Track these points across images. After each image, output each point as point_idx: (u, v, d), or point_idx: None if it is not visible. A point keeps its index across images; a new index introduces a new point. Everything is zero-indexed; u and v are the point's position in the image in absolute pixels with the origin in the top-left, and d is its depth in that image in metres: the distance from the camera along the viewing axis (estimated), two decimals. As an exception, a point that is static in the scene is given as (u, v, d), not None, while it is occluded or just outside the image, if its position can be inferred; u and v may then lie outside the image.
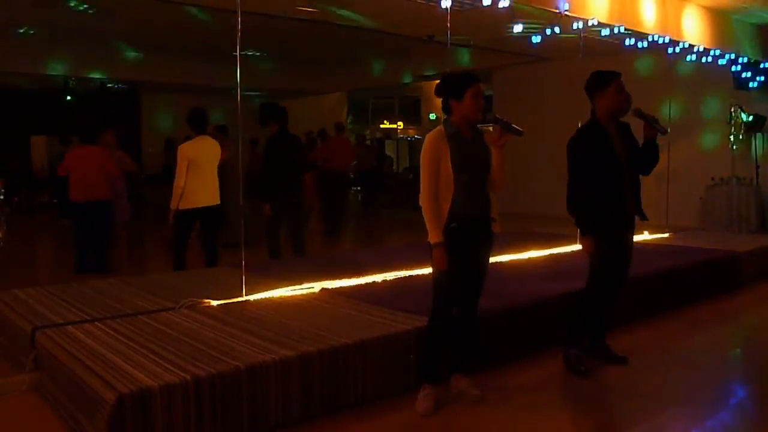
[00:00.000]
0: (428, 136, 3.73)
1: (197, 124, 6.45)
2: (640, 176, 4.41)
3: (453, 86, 3.72)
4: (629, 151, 4.33)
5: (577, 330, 4.45)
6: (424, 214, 3.66)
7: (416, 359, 3.94)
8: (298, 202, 7.10)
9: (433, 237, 3.63)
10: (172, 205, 6.27)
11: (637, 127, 4.39)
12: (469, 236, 3.71)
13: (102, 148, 8.02)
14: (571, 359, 4.37)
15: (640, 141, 4.39)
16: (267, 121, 7.23)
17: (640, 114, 4.31)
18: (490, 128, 3.81)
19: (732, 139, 10.24)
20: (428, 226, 3.65)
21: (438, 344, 3.81)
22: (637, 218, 4.45)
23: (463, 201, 3.66)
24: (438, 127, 3.75)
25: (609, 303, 4.53)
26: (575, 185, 4.25)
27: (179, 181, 6.23)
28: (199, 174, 6.30)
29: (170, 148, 9.92)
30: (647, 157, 4.37)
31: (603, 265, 4.31)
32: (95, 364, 3.33)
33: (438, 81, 3.91)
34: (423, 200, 3.66)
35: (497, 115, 3.78)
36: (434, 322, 3.80)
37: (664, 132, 4.34)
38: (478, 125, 3.81)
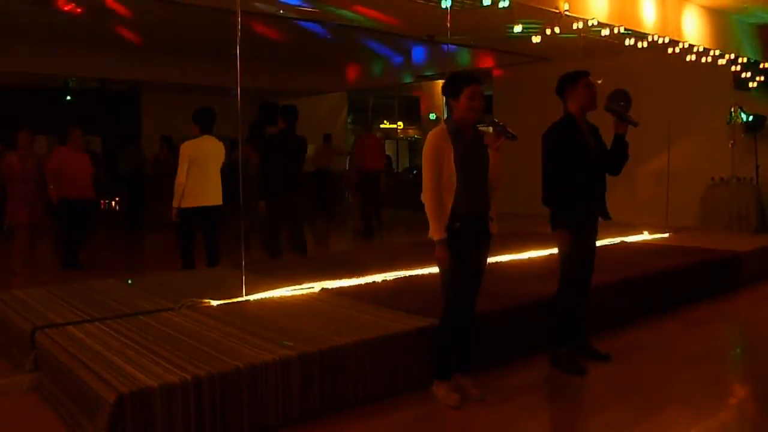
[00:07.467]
0: (430, 135, 3.75)
1: (203, 123, 6.44)
2: (613, 177, 4.47)
3: (451, 85, 3.76)
4: (599, 151, 4.39)
5: (561, 331, 4.44)
6: (427, 211, 3.69)
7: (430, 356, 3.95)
8: (297, 202, 7.09)
9: (437, 234, 3.66)
10: (174, 203, 6.33)
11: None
12: (471, 235, 3.73)
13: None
14: (563, 359, 4.37)
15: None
16: (274, 119, 7.19)
17: (610, 109, 4.38)
18: (490, 129, 3.83)
19: (732, 139, 10.24)
20: (431, 223, 3.68)
21: (455, 342, 3.83)
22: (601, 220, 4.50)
23: (465, 200, 3.68)
24: (440, 125, 3.78)
25: (580, 306, 4.51)
26: (550, 178, 4.28)
27: (180, 178, 6.26)
28: (201, 173, 6.31)
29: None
30: (617, 154, 4.41)
31: (573, 262, 4.33)
32: (95, 364, 3.33)
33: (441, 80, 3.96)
34: (426, 198, 3.69)
35: (495, 119, 3.84)
36: (449, 320, 3.81)
37: (636, 124, 4.36)
38: (477, 126, 3.84)
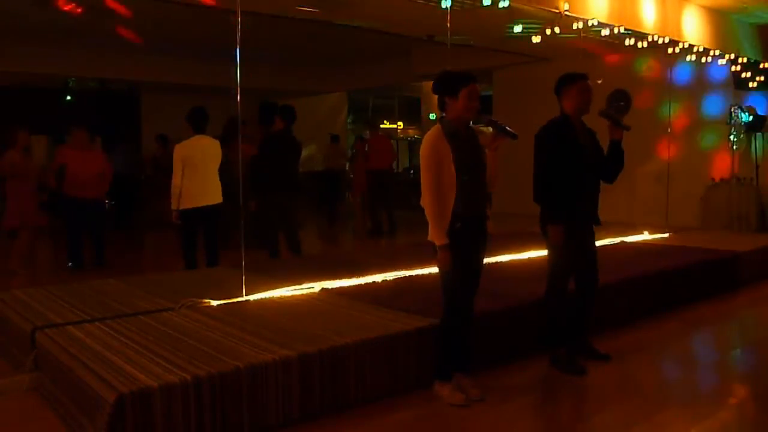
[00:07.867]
0: (427, 137, 3.71)
1: (196, 123, 6.45)
2: (607, 183, 4.48)
3: (448, 84, 3.71)
4: (594, 155, 4.39)
5: (557, 331, 4.44)
6: (428, 215, 3.66)
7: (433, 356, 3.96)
8: (291, 202, 7.08)
9: (438, 239, 3.64)
10: (173, 206, 6.34)
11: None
12: (471, 236, 3.72)
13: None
14: (562, 359, 4.37)
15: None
16: (272, 118, 7.19)
17: (605, 114, 4.39)
18: (489, 129, 3.81)
19: (732, 139, 10.24)
20: (433, 227, 3.65)
21: (456, 342, 3.83)
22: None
23: (466, 201, 3.67)
24: (435, 127, 3.75)
25: (588, 306, 4.52)
26: (543, 175, 4.28)
27: (175, 180, 6.27)
28: (197, 173, 6.30)
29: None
30: (613, 160, 4.41)
31: (565, 262, 4.32)
32: (95, 364, 3.33)
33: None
34: (426, 202, 3.65)
35: (492, 118, 3.82)
36: (451, 321, 3.82)
37: (628, 128, 4.40)
38: (473, 125, 3.82)
